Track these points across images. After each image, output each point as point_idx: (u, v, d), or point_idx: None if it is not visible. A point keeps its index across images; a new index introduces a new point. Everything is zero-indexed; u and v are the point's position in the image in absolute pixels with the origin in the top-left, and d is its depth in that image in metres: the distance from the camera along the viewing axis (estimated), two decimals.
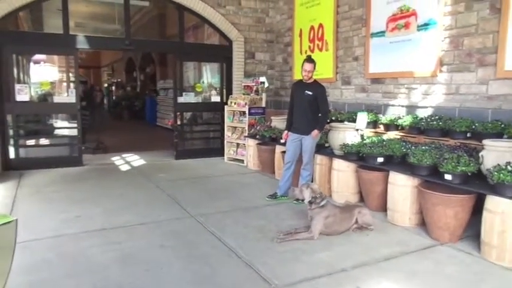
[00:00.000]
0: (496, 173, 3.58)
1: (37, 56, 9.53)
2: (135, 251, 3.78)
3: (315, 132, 5.30)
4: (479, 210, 3.80)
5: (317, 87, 5.34)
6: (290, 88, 6.07)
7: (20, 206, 5.16)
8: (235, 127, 8.28)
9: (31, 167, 7.25)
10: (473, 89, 5.11)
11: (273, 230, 4.32)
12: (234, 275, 3.35)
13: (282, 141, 5.97)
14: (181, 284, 3.19)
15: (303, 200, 4.46)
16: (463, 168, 3.93)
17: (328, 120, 6.51)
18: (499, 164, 3.69)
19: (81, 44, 7.64)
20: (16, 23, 8.49)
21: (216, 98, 9.08)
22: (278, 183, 5.72)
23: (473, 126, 4.73)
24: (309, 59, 5.30)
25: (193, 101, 8.78)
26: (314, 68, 5.30)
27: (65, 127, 8.88)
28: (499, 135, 4.41)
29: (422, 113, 5.62)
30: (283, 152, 6.03)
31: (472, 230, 4.09)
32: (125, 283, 3.19)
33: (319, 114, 5.38)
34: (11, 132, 7.28)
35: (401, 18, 5.95)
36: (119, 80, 22.56)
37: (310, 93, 5.27)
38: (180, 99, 8.58)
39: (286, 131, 5.66)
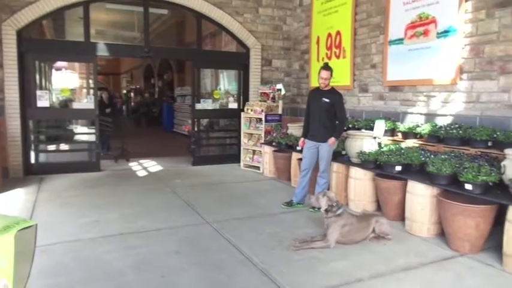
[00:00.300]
0: None
1: (59, 63, 9.75)
2: (151, 257, 3.80)
3: (332, 139, 5.27)
4: (501, 221, 3.71)
5: (334, 94, 5.31)
6: (307, 95, 6.06)
7: (40, 210, 5.26)
8: (252, 134, 8.29)
9: (51, 172, 7.39)
10: (495, 97, 5.01)
11: (289, 238, 4.29)
12: (249, 283, 3.34)
13: (299, 148, 5.95)
14: None
15: (319, 208, 4.42)
16: (484, 177, 3.85)
17: (345, 128, 6.47)
18: None
19: (102, 51, 7.80)
20: (39, 31, 8.71)
21: (233, 105, 9.12)
22: (294, 190, 5.70)
23: (495, 135, 4.63)
24: (326, 67, 5.29)
25: (210, 108, 8.85)
26: (331, 76, 5.28)
27: (83, 133, 9.02)
28: None
29: (441, 121, 5.53)
30: (300, 159, 6.00)
31: (494, 241, 3.99)
32: None
33: (337, 122, 5.35)
34: (31, 137, 7.44)
35: (420, 26, 5.90)
36: (138, 86, 22.89)
37: (327, 100, 5.25)
38: (198, 106, 8.66)
39: (302, 138, 5.64)
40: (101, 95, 9.50)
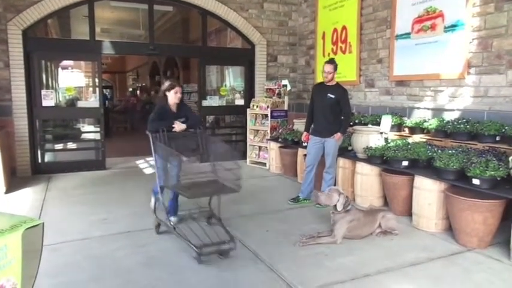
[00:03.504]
0: None
1: (65, 62, 9.80)
2: (160, 254, 3.83)
3: (338, 135, 5.25)
4: (509, 215, 3.68)
5: (339, 90, 5.29)
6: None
7: (48, 209, 5.30)
8: (258, 130, 8.29)
9: (58, 171, 7.44)
10: (503, 91, 4.96)
11: (296, 234, 4.30)
12: (257, 279, 3.35)
13: (304, 144, 5.91)
14: (204, 287, 3.21)
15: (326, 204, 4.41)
16: (492, 172, 3.82)
17: (351, 123, 6.45)
18: None
19: (107, 49, 7.83)
20: (45, 30, 8.75)
21: (239, 101, 9.11)
22: (300, 186, 5.69)
23: (503, 130, 4.58)
24: (329, 61, 5.30)
25: (217, 104, 8.85)
26: (335, 70, 5.25)
27: (89, 131, 9.03)
28: None
29: (448, 116, 5.49)
30: (306, 155, 5.99)
31: (502, 236, 3.96)
32: (148, 287, 3.23)
33: (342, 117, 5.33)
34: (38, 136, 7.47)
35: (428, 20, 5.84)
36: (143, 84, 22.94)
37: (332, 96, 5.23)
38: (205, 103, 8.66)
39: (305, 133, 5.64)
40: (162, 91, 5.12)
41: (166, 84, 4.52)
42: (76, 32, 11.02)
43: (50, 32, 9.52)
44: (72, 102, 8.55)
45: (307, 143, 5.62)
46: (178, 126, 4.37)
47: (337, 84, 5.36)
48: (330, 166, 5.41)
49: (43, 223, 1.80)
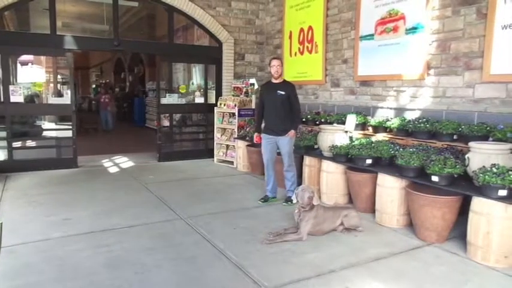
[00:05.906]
0: (481, 175, 3.64)
1: (24, 57, 9.38)
2: (124, 254, 3.75)
3: (292, 132, 5.31)
4: (465, 211, 3.86)
5: (288, 86, 5.37)
6: None
7: (5, 210, 5.08)
8: (225, 129, 8.27)
9: (18, 170, 7.12)
10: (460, 92, 5.18)
11: (263, 232, 4.32)
12: (223, 277, 3.35)
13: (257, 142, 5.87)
14: (170, 286, 3.18)
15: (291, 201, 4.45)
16: (450, 170, 3.98)
17: (318, 122, 6.56)
18: (484, 166, 3.74)
19: (69, 44, 7.56)
20: (1, 23, 8.36)
21: (201, 100, 9.00)
22: (265, 186, 5.70)
23: (460, 129, 4.79)
24: (276, 57, 5.43)
25: (178, 102, 8.72)
26: (282, 64, 5.37)
27: (52, 129, 8.69)
28: (484, 138, 4.47)
29: (410, 116, 5.67)
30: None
31: (459, 230, 4.15)
32: (112, 287, 3.16)
33: (292, 113, 5.38)
34: None
35: (390, 22, 6.01)
36: (107, 81, 22.37)
37: (282, 93, 5.29)
38: (164, 101, 8.52)
39: (257, 133, 5.66)
40: None
41: None
42: (36, 26, 10.60)
43: (7, 25, 9.10)
44: (31, 99, 8.22)
45: (260, 143, 5.64)
46: None
47: (285, 81, 5.45)
48: (289, 164, 5.45)
49: (1, 224, 1.73)
